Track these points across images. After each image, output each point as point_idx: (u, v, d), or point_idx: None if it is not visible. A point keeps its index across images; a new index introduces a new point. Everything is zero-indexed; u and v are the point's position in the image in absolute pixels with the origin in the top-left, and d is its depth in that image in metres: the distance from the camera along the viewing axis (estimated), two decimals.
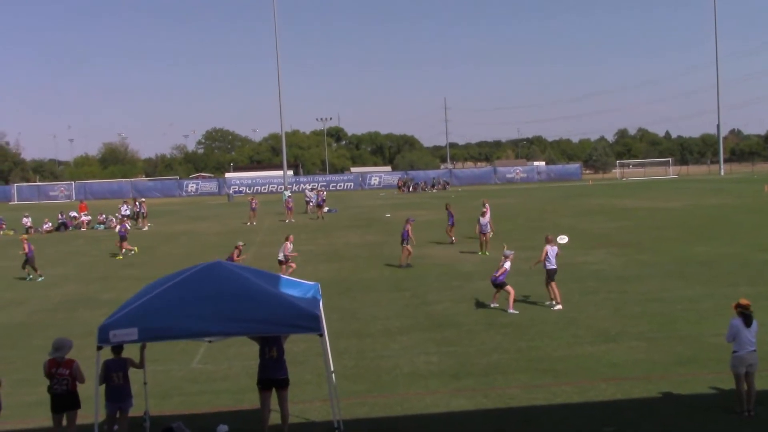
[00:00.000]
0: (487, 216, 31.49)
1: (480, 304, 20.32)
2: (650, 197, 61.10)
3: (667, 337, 16.29)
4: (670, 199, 58.21)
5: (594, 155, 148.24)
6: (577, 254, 28.81)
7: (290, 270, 24.12)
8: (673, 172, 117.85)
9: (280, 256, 25.16)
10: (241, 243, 25.17)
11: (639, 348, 15.55)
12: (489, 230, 30.96)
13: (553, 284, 19.81)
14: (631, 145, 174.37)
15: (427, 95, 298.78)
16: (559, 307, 19.45)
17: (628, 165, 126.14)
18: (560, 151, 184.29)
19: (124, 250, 34.45)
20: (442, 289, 22.86)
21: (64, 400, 10.58)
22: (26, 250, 27.81)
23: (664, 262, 26.31)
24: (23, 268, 28.29)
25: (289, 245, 25.09)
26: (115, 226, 36.02)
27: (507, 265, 19.92)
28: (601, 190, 77.53)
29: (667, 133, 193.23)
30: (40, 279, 27.92)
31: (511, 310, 19.27)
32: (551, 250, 19.99)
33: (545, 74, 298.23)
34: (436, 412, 12.34)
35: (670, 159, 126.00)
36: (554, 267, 19.85)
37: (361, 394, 13.36)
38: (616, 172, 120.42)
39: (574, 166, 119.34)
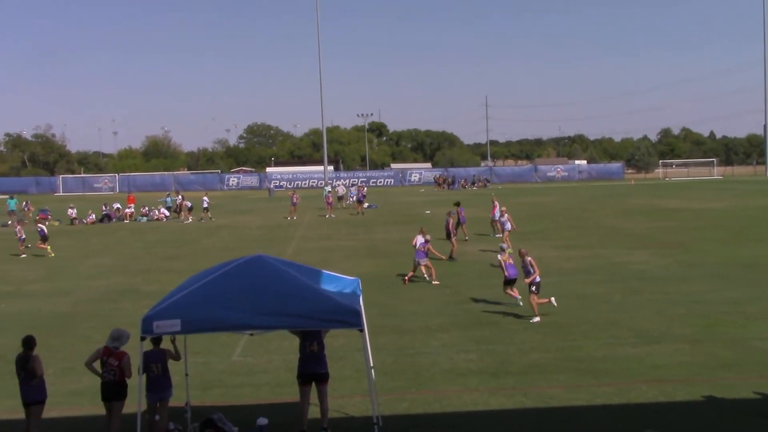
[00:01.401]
0: (506, 213, 31.29)
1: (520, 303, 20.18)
2: (694, 198, 60.27)
3: (711, 340, 16.05)
4: (714, 199, 57.37)
5: (636, 155, 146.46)
6: (620, 254, 28.56)
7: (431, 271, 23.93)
8: (717, 172, 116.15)
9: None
10: (428, 236, 24.56)
11: (682, 350, 15.35)
12: (509, 227, 30.76)
13: (534, 296, 18.44)
14: (675, 145, 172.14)
15: (468, 92, 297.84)
16: (537, 319, 18.16)
17: (671, 165, 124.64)
18: (602, 149, 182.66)
19: (48, 249, 33.35)
20: (482, 287, 22.74)
21: (111, 388, 10.75)
22: None
23: (707, 264, 25.94)
24: None
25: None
26: (17, 230, 33.87)
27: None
28: (643, 190, 76.62)
29: (712, 133, 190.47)
30: None
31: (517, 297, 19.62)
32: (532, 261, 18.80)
33: (587, 71, 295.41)
34: (475, 410, 12.30)
35: (714, 159, 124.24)
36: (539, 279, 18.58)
37: (400, 390, 13.37)
38: (659, 172, 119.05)
39: (616, 166, 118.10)
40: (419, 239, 24.15)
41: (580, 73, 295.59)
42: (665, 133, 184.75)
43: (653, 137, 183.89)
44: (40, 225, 35.27)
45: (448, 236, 28.62)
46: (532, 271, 18.45)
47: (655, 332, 16.80)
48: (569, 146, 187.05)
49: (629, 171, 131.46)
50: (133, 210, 53.25)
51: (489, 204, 35.42)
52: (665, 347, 15.61)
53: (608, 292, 21.26)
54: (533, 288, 18.37)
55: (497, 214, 32.51)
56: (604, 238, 34.09)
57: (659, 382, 13.37)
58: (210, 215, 50.16)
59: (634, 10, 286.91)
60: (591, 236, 34.81)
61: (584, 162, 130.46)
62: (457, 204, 34.86)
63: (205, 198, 51.92)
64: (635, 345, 15.84)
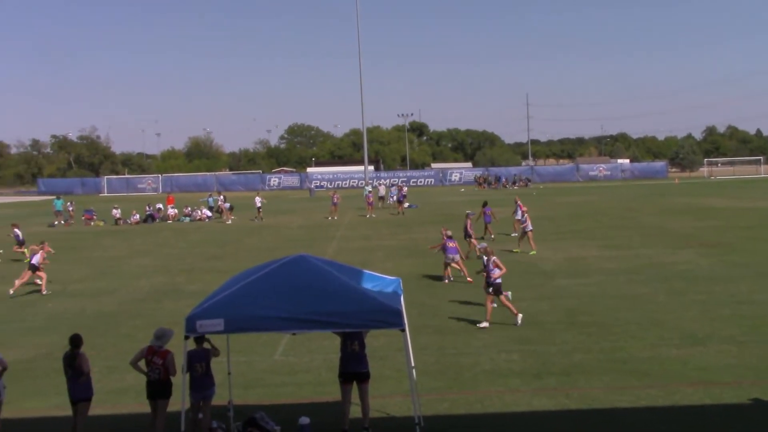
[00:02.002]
0: (526, 214, 31.00)
1: (562, 303, 20.01)
2: (739, 197, 59.30)
3: (759, 341, 15.74)
4: (760, 198, 56.38)
5: (681, 153, 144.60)
6: (664, 254, 28.18)
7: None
8: (764, 171, 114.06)
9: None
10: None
11: (729, 352, 15.08)
12: (529, 228, 30.35)
13: (490, 299, 18.11)
14: (720, 143, 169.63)
15: (509, 91, 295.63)
16: (485, 324, 17.81)
17: (716, 163, 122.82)
18: (645, 148, 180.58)
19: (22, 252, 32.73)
20: (524, 286, 22.58)
21: (156, 387, 10.88)
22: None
23: (754, 263, 25.47)
24: None
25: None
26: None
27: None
28: (688, 188, 75.60)
29: (758, 131, 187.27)
30: None
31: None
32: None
33: (630, 69, 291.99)
34: (517, 411, 12.23)
35: (761, 157, 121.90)
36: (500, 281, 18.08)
37: (441, 390, 13.34)
38: (704, 170, 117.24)
39: (660, 164, 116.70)
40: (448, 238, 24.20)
41: (623, 71, 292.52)
42: (710, 131, 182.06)
43: (698, 135, 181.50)
44: (16, 230, 33.91)
45: (466, 236, 28.60)
46: (494, 270, 17.94)
47: (700, 333, 16.54)
48: (611, 145, 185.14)
49: (673, 170, 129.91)
50: (176, 211, 53.85)
51: (529, 203, 35.11)
52: (711, 348, 15.35)
53: (652, 293, 20.99)
54: (491, 290, 17.95)
55: (519, 214, 32.18)
56: (648, 237, 33.66)
57: (705, 385, 13.16)
58: (261, 215, 50.48)
59: (679, 6, 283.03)
60: (634, 236, 34.41)
61: (627, 161, 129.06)
62: (485, 204, 34.96)
63: (258, 198, 52.23)
64: (680, 346, 15.61)
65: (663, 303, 19.75)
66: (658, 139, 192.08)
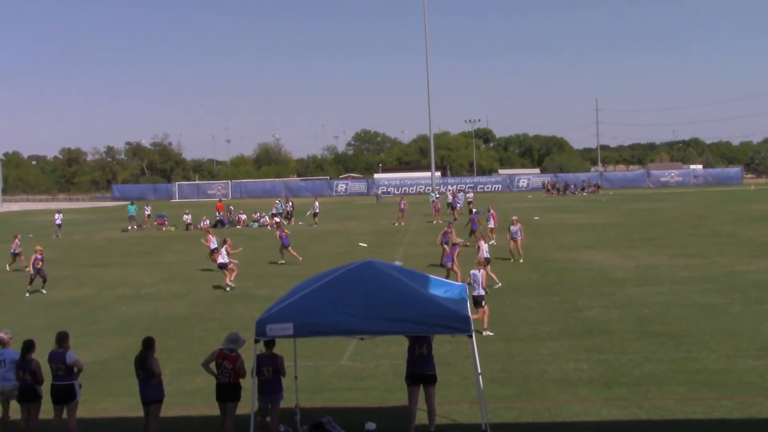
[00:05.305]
0: (517, 224, 30.52)
1: (633, 312, 19.64)
2: None
3: None
4: None
5: (756, 158, 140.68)
6: (739, 263, 27.43)
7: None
8: None
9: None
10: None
11: None
12: (520, 237, 29.96)
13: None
14: None
15: (578, 96, 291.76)
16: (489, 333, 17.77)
17: None
18: (719, 154, 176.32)
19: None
20: (593, 295, 22.27)
21: (225, 390, 11.05)
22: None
23: None
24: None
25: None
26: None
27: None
28: (764, 195, 73.45)
29: None
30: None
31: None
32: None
33: (703, 72, 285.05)
34: (586, 421, 12.04)
35: None
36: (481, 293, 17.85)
37: (508, 398, 13.21)
38: None
39: (735, 170, 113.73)
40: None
41: (696, 74, 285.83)
42: None
43: None
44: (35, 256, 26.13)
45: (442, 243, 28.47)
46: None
47: None
48: (684, 150, 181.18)
49: (748, 176, 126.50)
50: (245, 216, 54.58)
51: (598, 210, 34.61)
52: None
53: (726, 302, 20.44)
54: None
55: (491, 222, 31.69)
56: (722, 245, 32.80)
57: None
58: (316, 221, 50.78)
59: (752, 6, 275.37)
60: (708, 244, 33.57)
61: (700, 166, 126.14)
62: (470, 211, 35.70)
63: (316, 203, 52.64)
64: (757, 358, 15.15)
65: (738, 313, 19.22)
66: (733, 144, 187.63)
